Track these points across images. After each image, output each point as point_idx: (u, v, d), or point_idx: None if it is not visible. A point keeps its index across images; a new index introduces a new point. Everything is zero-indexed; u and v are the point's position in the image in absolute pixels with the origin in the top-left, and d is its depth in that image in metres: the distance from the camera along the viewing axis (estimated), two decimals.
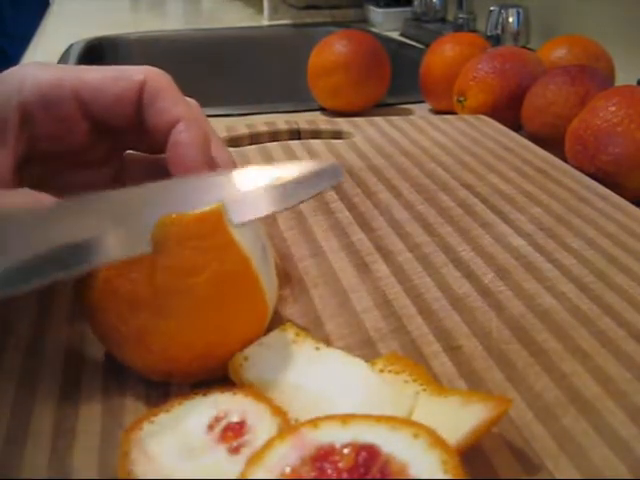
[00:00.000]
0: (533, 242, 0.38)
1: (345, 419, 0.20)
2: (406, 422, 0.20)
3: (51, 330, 0.30)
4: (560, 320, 0.31)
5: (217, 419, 0.24)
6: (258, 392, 0.25)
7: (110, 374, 0.28)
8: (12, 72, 0.30)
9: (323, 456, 0.19)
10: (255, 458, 0.20)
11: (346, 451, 0.19)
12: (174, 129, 0.29)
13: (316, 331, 0.30)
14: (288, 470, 0.19)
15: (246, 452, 0.22)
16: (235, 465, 0.21)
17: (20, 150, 0.29)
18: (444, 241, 0.39)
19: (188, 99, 0.32)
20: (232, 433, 0.23)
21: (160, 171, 0.33)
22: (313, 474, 0.19)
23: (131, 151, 0.34)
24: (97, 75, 0.30)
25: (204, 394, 0.25)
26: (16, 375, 0.27)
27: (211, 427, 0.23)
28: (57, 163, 0.32)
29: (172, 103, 0.30)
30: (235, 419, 0.23)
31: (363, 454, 0.19)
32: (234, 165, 0.32)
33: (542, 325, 0.31)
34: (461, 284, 0.34)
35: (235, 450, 0.22)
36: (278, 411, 0.24)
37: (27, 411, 0.26)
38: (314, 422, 0.20)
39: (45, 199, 0.26)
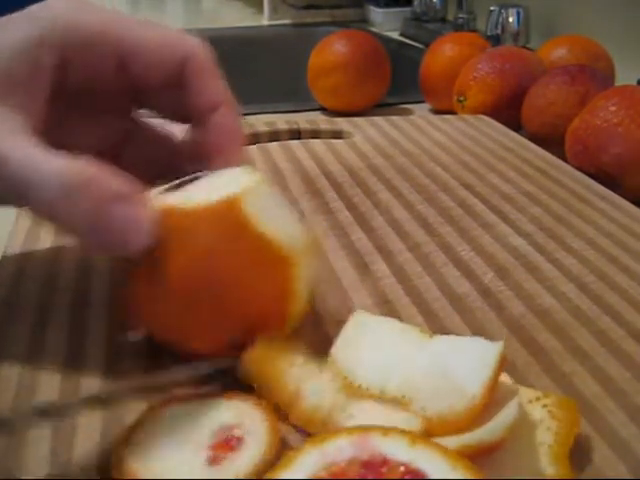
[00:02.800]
0: (533, 242, 0.38)
1: (415, 440, 0.20)
2: (472, 468, 0.19)
3: (51, 329, 0.30)
4: (560, 320, 0.31)
5: (229, 428, 0.23)
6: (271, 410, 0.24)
7: (110, 373, 0.28)
8: (41, 9, 0.28)
9: (373, 464, 0.19)
10: (318, 439, 0.20)
11: (400, 469, 0.19)
12: (216, 112, 0.30)
13: (315, 330, 0.30)
14: (339, 462, 0.19)
15: (224, 466, 0.22)
16: (204, 473, 0.22)
17: (53, 91, 0.28)
18: (444, 241, 0.39)
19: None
20: (227, 446, 0.23)
21: (163, 148, 0.34)
22: (355, 476, 0.19)
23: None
24: (142, 33, 0.29)
25: (232, 397, 0.25)
26: (16, 375, 0.27)
27: (220, 431, 0.23)
28: (78, 103, 0.31)
29: (214, 85, 0.30)
30: (238, 434, 0.23)
31: (408, 477, 0.19)
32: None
33: (542, 325, 0.31)
34: (461, 284, 0.34)
35: (215, 460, 0.22)
36: (275, 439, 0.23)
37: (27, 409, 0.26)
38: (386, 431, 0.20)
39: (82, 168, 0.25)
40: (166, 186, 0.28)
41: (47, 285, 0.34)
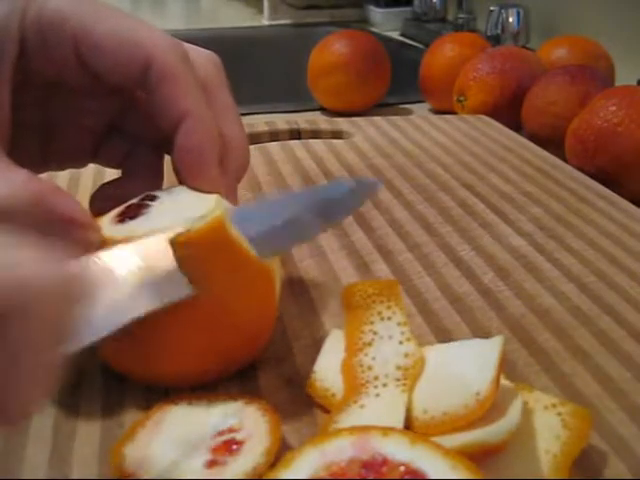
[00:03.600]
0: (533, 242, 0.39)
1: (415, 440, 0.20)
2: (472, 468, 0.19)
3: None
4: (560, 320, 0.31)
5: (230, 430, 0.23)
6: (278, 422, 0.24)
7: (110, 374, 0.28)
8: None
9: (373, 465, 0.19)
10: (318, 438, 0.20)
11: (400, 469, 0.19)
12: (180, 128, 0.27)
13: (315, 329, 0.30)
14: (338, 462, 0.19)
15: (219, 470, 0.22)
16: (202, 476, 0.21)
17: (16, 80, 0.27)
18: (444, 241, 0.39)
19: (206, 54, 0.29)
20: (227, 450, 0.22)
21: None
22: (355, 476, 0.19)
23: None
24: (103, 27, 0.27)
25: (234, 398, 0.25)
26: None
27: (221, 433, 0.23)
28: (52, 97, 0.30)
29: (180, 92, 0.27)
30: (240, 437, 0.23)
31: (408, 478, 0.19)
32: (245, 143, 0.30)
33: (542, 325, 0.31)
34: (461, 284, 0.34)
35: (214, 464, 0.22)
36: (276, 444, 0.23)
37: None
38: (386, 431, 0.20)
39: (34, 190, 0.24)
40: (117, 213, 0.27)
41: None
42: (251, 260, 0.25)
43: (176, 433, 0.23)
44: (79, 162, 0.34)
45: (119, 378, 0.27)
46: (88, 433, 0.25)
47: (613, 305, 0.32)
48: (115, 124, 0.32)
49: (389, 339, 0.28)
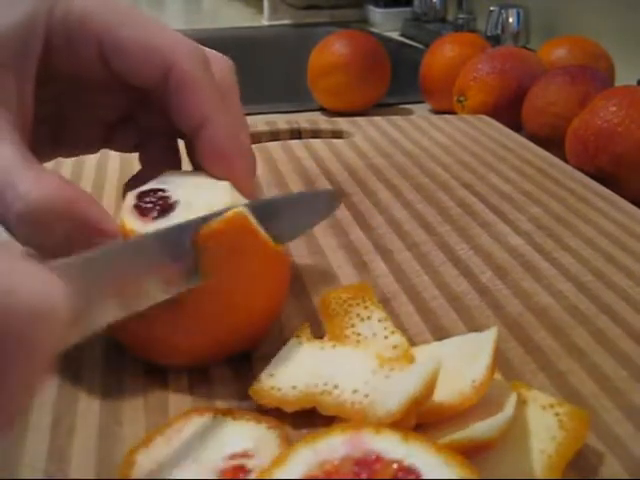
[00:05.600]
0: (531, 241, 0.39)
1: (407, 436, 0.20)
2: (466, 464, 0.19)
3: None
4: (557, 318, 0.31)
5: (243, 454, 0.23)
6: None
7: (109, 372, 0.28)
8: None
9: (367, 462, 0.19)
10: (311, 437, 0.20)
11: (393, 466, 0.19)
12: (201, 135, 0.28)
13: (314, 329, 0.30)
14: (331, 460, 0.19)
15: None
16: None
17: (40, 76, 0.27)
18: (443, 240, 0.39)
19: (220, 57, 0.30)
20: (235, 475, 0.22)
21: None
22: (348, 474, 0.19)
23: None
24: (126, 31, 0.27)
25: (258, 420, 0.24)
26: None
27: (233, 457, 0.22)
28: (68, 90, 0.31)
29: (199, 98, 0.28)
30: (250, 465, 0.22)
31: (401, 475, 0.19)
32: (252, 151, 0.31)
33: (539, 323, 0.31)
34: (459, 282, 0.34)
35: None
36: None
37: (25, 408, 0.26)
38: (378, 428, 0.20)
39: (61, 190, 0.24)
40: (137, 192, 0.28)
41: None
42: (271, 249, 0.27)
43: (191, 446, 0.23)
44: (90, 150, 0.35)
45: (118, 376, 0.27)
46: (86, 430, 0.25)
47: (611, 304, 0.33)
48: (129, 115, 0.33)
49: (374, 337, 0.28)
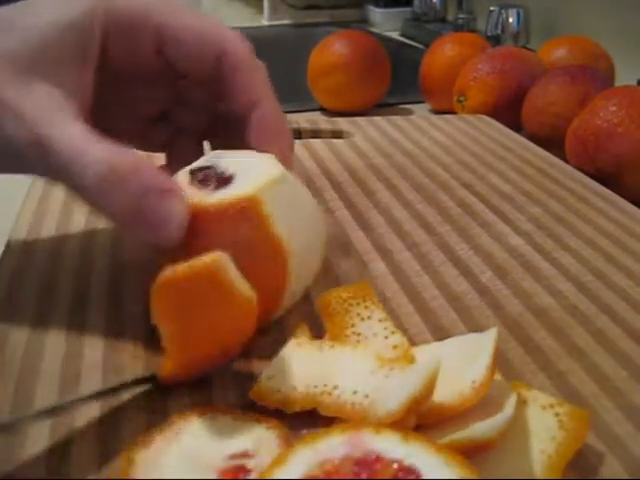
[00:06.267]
0: (532, 241, 0.39)
1: (407, 436, 0.20)
2: (466, 464, 0.19)
3: (50, 328, 0.30)
4: (557, 318, 0.31)
5: (244, 454, 0.23)
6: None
7: (109, 371, 0.28)
8: None
9: (367, 462, 0.19)
10: (311, 437, 0.20)
11: (393, 466, 0.19)
12: (255, 110, 0.30)
13: (315, 329, 0.30)
14: (332, 460, 0.19)
15: None
16: None
17: (99, 67, 0.30)
18: (443, 240, 0.39)
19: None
20: (235, 475, 0.22)
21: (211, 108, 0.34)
22: (348, 474, 0.19)
23: None
24: (182, 23, 0.30)
25: (258, 420, 0.24)
26: (16, 373, 0.28)
27: (234, 457, 0.22)
28: (112, 82, 0.32)
29: (251, 81, 0.31)
30: (250, 465, 0.22)
31: (401, 475, 0.19)
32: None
33: (539, 323, 0.31)
34: (459, 283, 0.34)
35: None
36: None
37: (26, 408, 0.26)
38: (378, 428, 0.20)
39: (125, 158, 0.26)
40: (188, 169, 0.29)
41: (50, 274, 0.34)
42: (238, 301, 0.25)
43: (191, 446, 0.23)
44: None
45: (118, 375, 0.27)
46: (86, 430, 0.25)
47: (610, 304, 0.33)
48: (164, 112, 0.35)
49: (374, 337, 0.28)
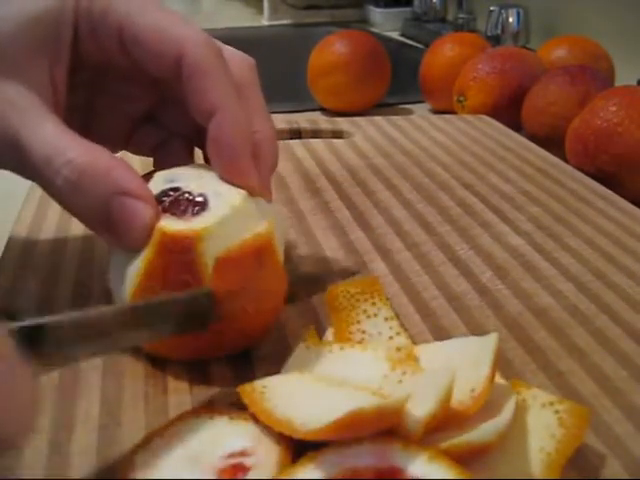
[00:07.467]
0: (532, 241, 0.39)
1: (434, 457, 0.20)
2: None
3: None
4: (557, 318, 0.31)
5: (242, 453, 0.22)
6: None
7: (109, 371, 0.28)
8: None
9: (386, 473, 0.19)
10: (336, 444, 0.20)
11: None
12: (212, 121, 0.27)
13: (316, 329, 0.30)
14: (355, 467, 0.19)
15: None
16: None
17: (70, 63, 0.29)
18: (443, 240, 0.39)
19: (240, 54, 0.31)
20: (233, 473, 0.22)
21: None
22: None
23: None
24: (143, 21, 0.28)
25: (256, 419, 0.24)
26: None
27: (232, 456, 0.22)
28: (97, 81, 0.32)
29: (211, 85, 0.28)
30: (248, 463, 0.22)
31: None
32: (275, 142, 0.31)
33: (539, 323, 0.31)
34: (459, 283, 0.34)
35: None
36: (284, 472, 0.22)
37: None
38: (408, 445, 0.20)
39: (97, 157, 0.26)
40: (158, 180, 0.28)
41: (50, 273, 0.34)
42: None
43: (189, 447, 0.23)
44: (112, 148, 0.35)
45: (118, 375, 0.27)
46: (86, 430, 0.25)
47: (610, 304, 0.33)
48: (152, 113, 0.34)
49: (379, 336, 0.28)
